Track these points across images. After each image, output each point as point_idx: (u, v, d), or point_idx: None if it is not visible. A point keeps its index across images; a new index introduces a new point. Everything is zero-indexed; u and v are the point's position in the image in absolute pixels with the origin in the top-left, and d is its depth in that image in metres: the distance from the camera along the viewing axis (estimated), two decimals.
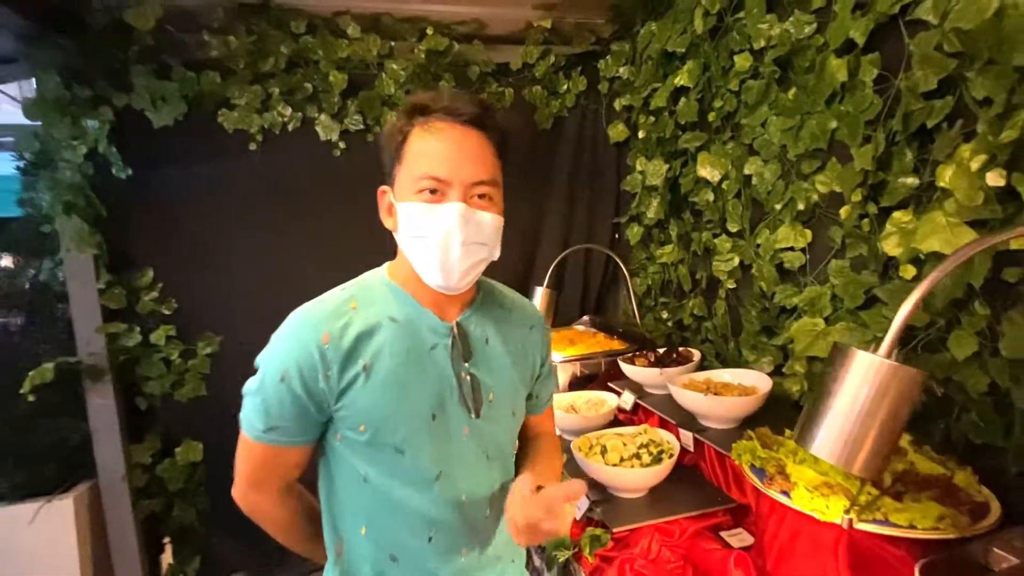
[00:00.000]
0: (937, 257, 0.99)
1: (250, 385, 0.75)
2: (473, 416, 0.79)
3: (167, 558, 2.23)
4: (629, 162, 2.20)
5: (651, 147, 1.98)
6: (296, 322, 0.75)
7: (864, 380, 0.61)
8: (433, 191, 0.73)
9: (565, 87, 2.31)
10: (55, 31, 1.79)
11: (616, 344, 2.01)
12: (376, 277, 0.82)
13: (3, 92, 2.30)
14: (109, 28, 1.81)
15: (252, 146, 2.06)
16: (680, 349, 1.69)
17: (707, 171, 1.65)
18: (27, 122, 1.88)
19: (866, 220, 1.17)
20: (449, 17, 2.11)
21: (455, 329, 0.80)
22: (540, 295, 2.17)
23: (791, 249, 1.39)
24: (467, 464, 0.80)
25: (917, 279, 1.03)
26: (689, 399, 1.33)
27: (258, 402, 0.73)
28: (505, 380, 0.85)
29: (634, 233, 2.14)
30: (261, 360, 0.75)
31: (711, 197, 1.69)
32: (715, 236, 1.69)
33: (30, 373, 1.79)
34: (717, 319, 1.74)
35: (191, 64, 1.95)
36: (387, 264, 0.84)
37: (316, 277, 2.12)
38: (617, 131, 2.20)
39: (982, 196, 0.89)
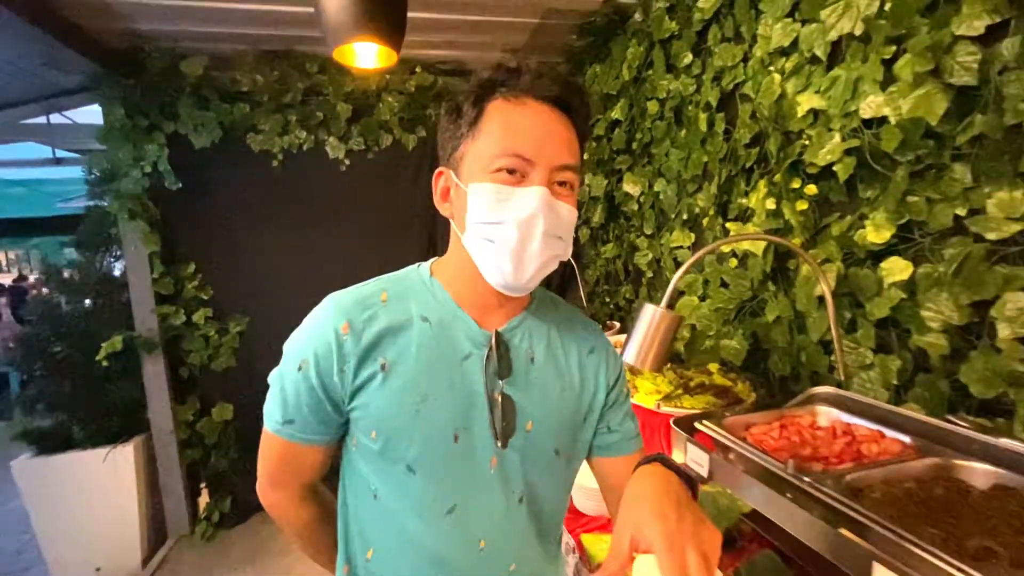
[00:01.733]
0: (750, 255, 1.49)
1: (273, 373, 0.68)
2: (499, 445, 0.67)
3: (204, 498, 2.73)
4: (585, 177, 2.69)
5: (594, 166, 2.47)
6: (322, 309, 0.67)
7: (651, 319, 1.10)
8: (512, 171, 0.62)
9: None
10: (119, 74, 2.26)
11: None
12: (416, 272, 0.72)
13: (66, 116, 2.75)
14: (163, 71, 2.29)
15: (274, 163, 2.55)
16: (607, 322, 2.20)
17: (631, 187, 2.15)
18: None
19: (719, 228, 1.67)
20: (434, 58, 2.59)
21: (494, 339, 0.68)
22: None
23: (681, 247, 1.89)
24: (490, 502, 0.68)
25: (743, 267, 1.54)
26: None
27: (277, 391, 0.67)
28: (550, 409, 0.71)
29: (584, 234, 2.64)
30: (286, 346, 0.68)
31: (635, 207, 2.19)
32: (637, 237, 2.19)
33: (103, 344, 2.27)
34: (639, 301, 2.25)
35: (225, 97, 2.43)
36: (432, 260, 0.74)
37: (326, 269, 2.83)
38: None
39: (766, 214, 1.40)
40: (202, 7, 1.95)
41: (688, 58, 1.75)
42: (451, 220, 0.69)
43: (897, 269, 1.09)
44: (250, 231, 2.58)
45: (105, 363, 2.26)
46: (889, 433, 0.93)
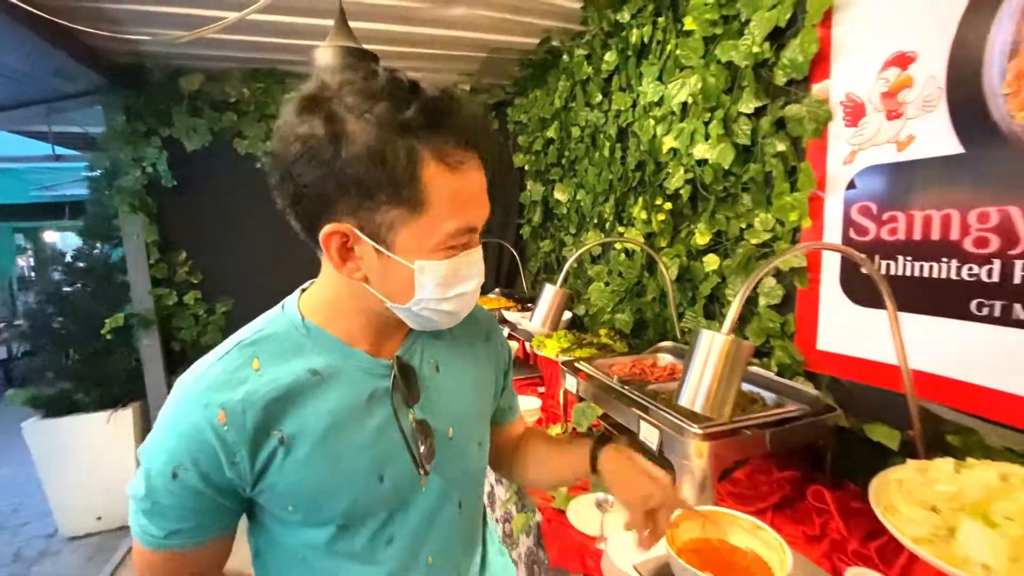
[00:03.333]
0: (633, 251, 2.01)
1: (135, 488, 0.58)
2: (422, 473, 0.65)
3: None
4: (526, 182, 3.18)
5: (534, 175, 2.96)
6: (181, 400, 0.57)
7: (550, 295, 1.61)
8: (462, 243, 0.59)
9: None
10: (122, 85, 2.59)
11: (510, 304, 3.00)
12: (284, 321, 0.63)
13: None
14: (162, 84, 2.63)
15: (258, 164, 2.92)
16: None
17: (560, 195, 2.65)
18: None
19: (616, 231, 2.18)
20: None
21: (395, 366, 0.65)
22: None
23: (603, 246, 2.40)
24: (430, 520, 0.67)
25: (631, 260, 2.06)
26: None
27: (149, 507, 0.57)
28: (468, 406, 0.72)
29: (527, 231, 3.13)
30: (144, 453, 0.58)
31: (564, 211, 2.69)
32: (566, 235, 2.69)
33: (106, 320, 2.62)
34: (573, 286, 2.76)
35: (216, 106, 2.79)
36: (296, 299, 0.66)
37: (301, 256, 3.31)
38: (519, 159, 3.17)
39: (642, 222, 1.92)
40: (199, 31, 2.31)
41: (599, 98, 2.25)
42: (361, 283, 0.59)
43: (712, 262, 1.62)
44: (236, 223, 2.96)
45: (108, 336, 2.60)
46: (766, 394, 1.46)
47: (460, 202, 0.56)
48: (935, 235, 1.08)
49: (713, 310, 1.69)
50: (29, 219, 4.93)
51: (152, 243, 2.75)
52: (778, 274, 1.44)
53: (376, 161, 0.51)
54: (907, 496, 0.80)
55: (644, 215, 1.90)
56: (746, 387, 1.32)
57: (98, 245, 2.85)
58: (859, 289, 1.24)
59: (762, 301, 1.47)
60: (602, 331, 2.02)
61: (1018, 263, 0.96)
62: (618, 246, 2.14)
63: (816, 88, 1.29)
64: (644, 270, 2.00)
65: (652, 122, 1.87)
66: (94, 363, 2.71)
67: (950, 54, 1.03)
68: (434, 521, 0.68)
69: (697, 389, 0.82)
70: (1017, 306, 0.96)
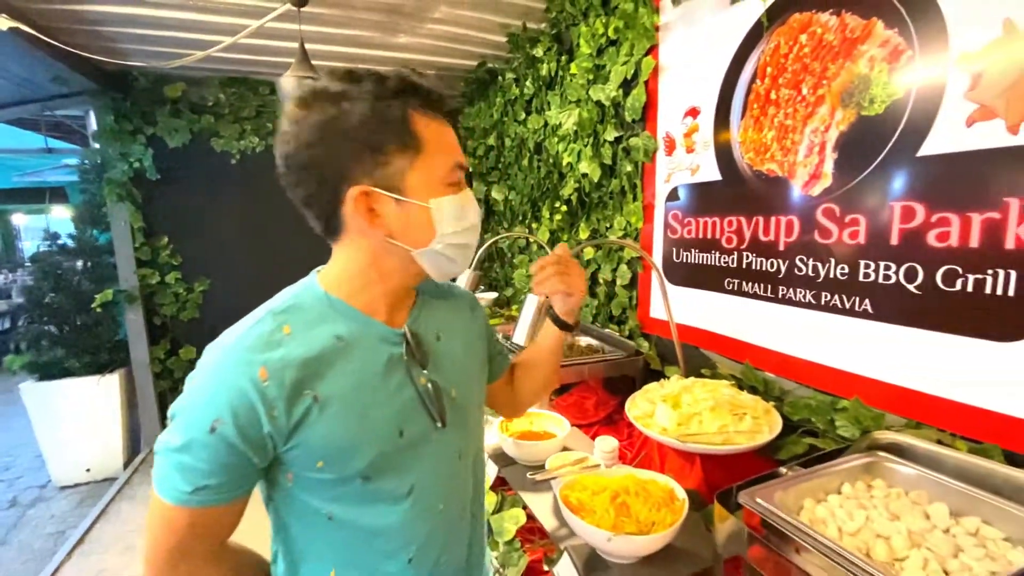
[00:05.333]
0: (541, 246, 2.49)
1: (169, 441, 0.59)
2: (439, 425, 0.72)
3: None
4: (472, 182, 3.63)
5: (478, 176, 3.42)
6: (220, 361, 0.60)
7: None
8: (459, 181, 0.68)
9: None
10: (112, 89, 2.95)
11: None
12: (309, 294, 0.68)
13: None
14: (146, 89, 2.99)
15: (233, 161, 3.31)
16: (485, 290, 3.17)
17: (497, 194, 3.11)
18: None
19: (533, 227, 2.66)
20: None
21: (407, 335, 0.71)
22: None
23: (519, 238, 2.87)
24: (441, 471, 0.74)
25: (544, 252, 2.54)
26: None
27: (182, 460, 0.58)
28: (464, 373, 0.79)
29: None
30: (180, 409, 0.60)
31: (501, 208, 3.16)
32: (500, 229, 3.16)
33: (96, 296, 2.99)
34: (503, 274, 3.23)
35: (195, 109, 3.16)
36: (315, 276, 0.71)
37: (271, 243, 3.79)
38: (467, 161, 3.62)
39: (549, 220, 2.39)
40: (169, 48, 2.69)
41: (523, 115, 2.71)
42: (384, 240, 0.66)
43: (589, 252, 2.11)
44: (213, 212, 3.34)
45: (99, 310, 2.98)
46: (583, 339, 1.95)
47: (447, 143, 0.66)
48: (708, 235, 1.58)
49: (594, 290, 2.18)
50: (8, 203, 5.14)
51: (138, 229, 3.12)
52: (629, 261, 1.93)
53: (379, 120, 0.61)
54: (643, 395, 1.30)
55: (548, 215, 2.38)
56: (594, 342, 1.82)
57: (89, 230, 3.19)
58: (671, 272, 1.74)
59: (619, 282, 1.96)
60: (514, 308, 2.50)
61: (746, 254, 1.46)
62: (532, 239, 2.62)
63: (650, 127, 1.78)
64: None
65: (555, 140, 2.35)
66: (84, 333, 3.07)
67: (715, 111, 1.52)
68: (442, 471, 0.74)
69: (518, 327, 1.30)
70: (744, 283, 1.47)
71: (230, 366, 0.59)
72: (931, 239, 1.01)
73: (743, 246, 1.46)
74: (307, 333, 0.64)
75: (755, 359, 1.43)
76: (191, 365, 0.61)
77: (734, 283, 1.50)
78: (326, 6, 2.19)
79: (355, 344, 0.66)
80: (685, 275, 1.68)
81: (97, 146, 3.03)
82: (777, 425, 1.16)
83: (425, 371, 0.72)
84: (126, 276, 3.16)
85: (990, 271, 0.93)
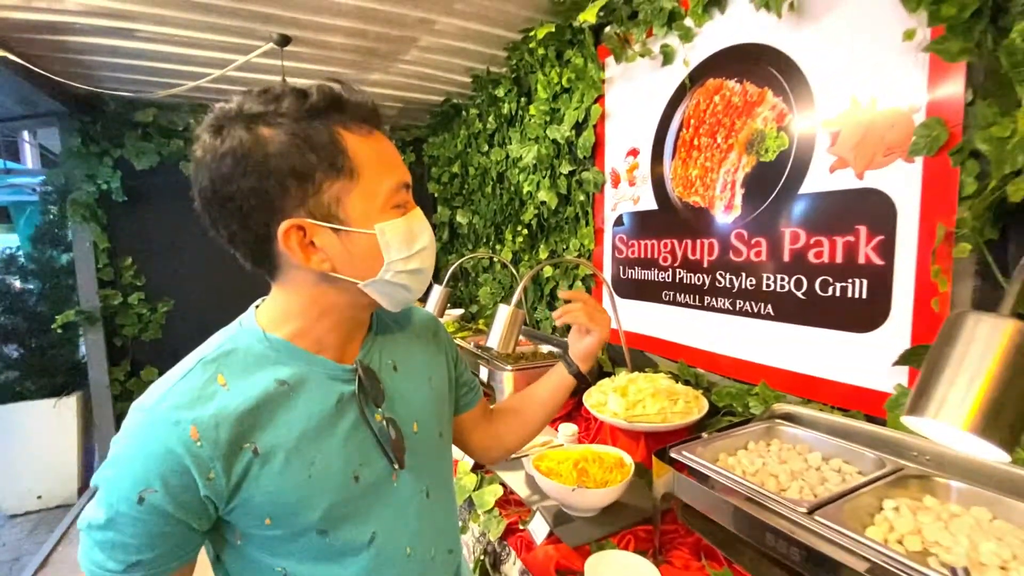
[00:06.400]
0: (504, 266, 2.73)
1: (92, 518, 0.54)
2: (398, 467, 0.67)
3: None
4: (437, 206, 3.85)
5: (443, 201, 3.65)
6: (145, 422, 0.54)
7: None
8: (403, 202, 0.62)
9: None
10: (80, 111, 3.00)
11: None
12: (245, 336, 0.63)
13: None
14: (116, 113, 3.06)
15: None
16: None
17: (462, 218, 3.35)
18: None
19: (496, 249, 2.90)
20: None
21: (359, 370, 0.66)
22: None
23: (483, 259, 3.10)
24: (407, 513, 0.68)
25: (507, 269, 2.78)
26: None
27: (108, 537, 0.53)
28: (426, 402, 0.74)
29: (438, 247, 3.78)
30: (103, 480, 0.54)
31: (465, 231, 3.39)
32: (465, 251, 3.39)
33: (57, 317, 2.97)
34: (468, 292, 3.45)
35: (164, 132, 3.24)
36: (252, 315, 0.66)
37: (238, 265, 3.86)
38: (432, 187, 3.84)
39: (512, 242, 2.65)
40: (149, 76, 2.79)
41: (486, 147, 2.98)
42: (326, 273, 0.61)
43: (548, 271, 2.37)
44: (177, 234, 3.38)
45: (59, 331, 2.96)
46: (544, 347, 2.18)
47: (385, 162, 0.60)
48: (648, 255, 1.87)
49: (552, 304, 2.43)
50: None
51: (102, 249, 3.13)
52: (583, 278, 2.20)
53: (304, 145, 0.55)
54: (597, 388, 1.55)
55: (511, 237, 2.64)
56: (554, 349, 2.06)
57: (48, 251, 3.17)
58: (618, 286, 2.02)
59: (559, 291, 2.22)
60: (481, 322, 2.72)
61: (678, 271, 1.75)
62: (496, 259, 2.86)
63: (599, 163, 2.08)
64: (512, 278, 2.73)
65: (517, 171, 2.62)
66: (40, 355, 3.03)
67: (652, 152, 1.83)
68: (408, 513, 0.69)
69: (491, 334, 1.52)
70: (677, 294, 1.76)
71: (158, 427, 0.54)
72: (811, 256, 1.32)
73: (676, 264, 1.76)
74: (244, 381, 0.59)
75: (688, 358, 1.71)
76: None
77: (670, 295, 1.79)
78: (306, 45, 2.39)
79: (300, 387, 0.62)
80: (630, 289, 1.96)
81: (62, 168, 3.04)
82: (704, 407, 1.43)
83: (380, 408, 0.67)
84: (88, 297, 3.15)
85: (850, 280, 1.24)
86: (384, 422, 0.67)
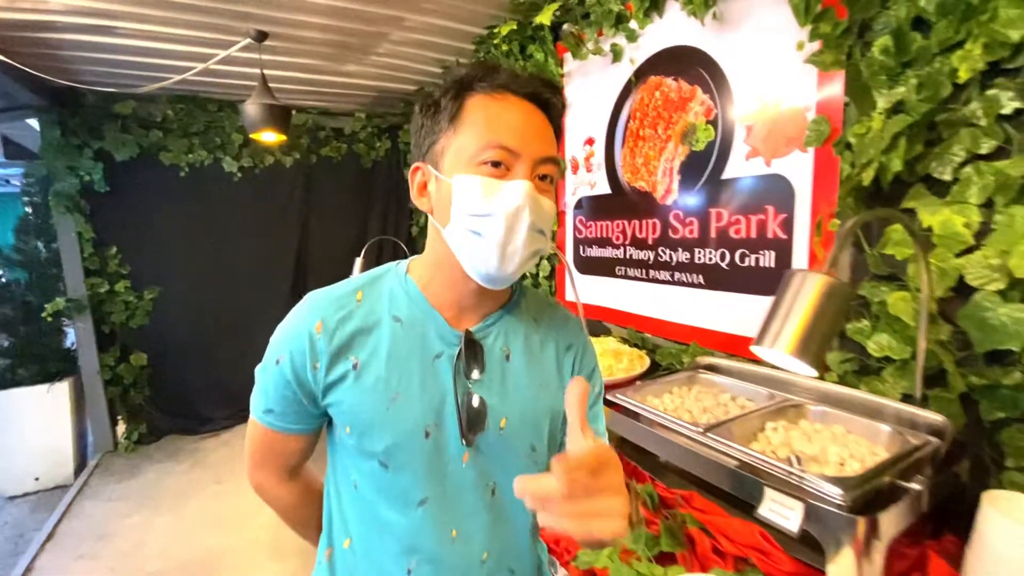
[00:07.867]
0: None
1: (259, 366, 0.70)
2: (464, 443, 0.67)
3: (121, 427, 3.57)
4: None
5: None
6: (300, 307, 0.68)
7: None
8: (497, 164, 0.61)
9: (379, 144, 4.03)
10: (59, 105, 3.06)
11: None
12: (394, 270, 0.71)
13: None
14: (95, 106, 3.13)
15: (181, 174, 3.48)
16: None
17: None
18: None
19: None
20: (307, 105, 3.71)
21: (464, 339, 0.68)
22: (358, 264, 2.94)
23: None
24: (462, 496, 0.69)
25: None
26: None
27: (260, 382, 0.69)
28: (525, 407, 0.70)
29: (415, 231, 3.96)
30: (271, 340, 0.69)
31: None
32: None
33: (47, 305, 3.07)
34: None
35: (143, 124, 3.32)
36: (411, 259, 0.73)
37: (219, 252, 4.02)
38: (408, 173, 3.98)
39: None
40: (129, 71, 2.87)
41: None
42: (430, 215, 0.67)
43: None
44: (161, 222, 3.48)
45: (50, 319, 3.06)
46: None
47: (495, 122, 0.61)
48: (603, 234, 2.09)
49: (522, 283, 2.64)
50: None
51: (87, 239, 3.22)
52: (548, 257, 2.41)
53: (432, 108, 0.65)
54: None
55: None
56: None
57: (33, 241, 3.24)
58: (578, 264, 2.23)
59: (541, 275, 2.43)
60: None
61: (628, 248, 1.97)
62: None
63: (561, 151, 2.27)
64: None
65: None
66: (32, 344, 3.13)
67: (605, 141, 2.03)
68: (464, 498, 0.69)
69: None
70: (628, 269, 1.98)
71: (303, 313, 0.67)
72: (732, 233, 1.55)
73: (627, 242, 1.97)
74: (371, 304, 0.67)
75: (637, 324, 1.94)
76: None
77: (622, 270, 2.01)
78: (283, 40, 2.51)
79: (410, 329, 0.67)
80: (589, 266, 2.18)
81: (43, 160, 3.10)
82: (647, 364, 1.66)
83: (470, 381, 0.68)
84: (75, 286, 3.24)
85: (762, 251, 1.47)
86: (471, 397, 0.67)
